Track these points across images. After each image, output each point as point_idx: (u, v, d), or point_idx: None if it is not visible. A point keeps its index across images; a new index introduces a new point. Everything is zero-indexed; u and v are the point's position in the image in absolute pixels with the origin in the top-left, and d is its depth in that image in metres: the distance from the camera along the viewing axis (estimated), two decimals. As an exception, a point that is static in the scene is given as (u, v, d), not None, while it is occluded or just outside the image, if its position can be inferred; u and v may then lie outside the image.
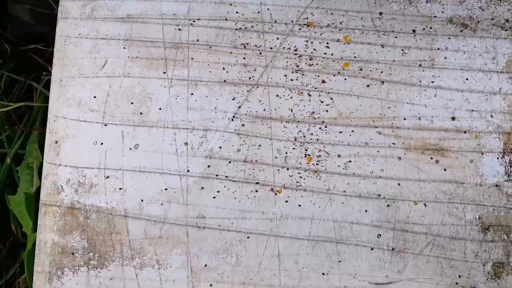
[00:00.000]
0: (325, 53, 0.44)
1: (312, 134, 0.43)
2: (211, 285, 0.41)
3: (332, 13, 0.45)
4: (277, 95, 0.44)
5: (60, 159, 0.42)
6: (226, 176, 0.42)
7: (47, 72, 0.82)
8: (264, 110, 0.44)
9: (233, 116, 0.43)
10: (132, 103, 0.43)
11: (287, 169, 0.43)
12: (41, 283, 0.41)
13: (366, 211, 0.42)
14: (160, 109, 0.43)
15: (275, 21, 0.45)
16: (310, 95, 0.44)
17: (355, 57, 0.44)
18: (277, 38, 0.45)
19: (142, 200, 0.42)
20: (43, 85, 0.81)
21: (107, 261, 0.41)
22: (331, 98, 0.44)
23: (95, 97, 0.43)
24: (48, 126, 0.43)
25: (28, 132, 0.78)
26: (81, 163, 0.42)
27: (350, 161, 0.43)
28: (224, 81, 0.44)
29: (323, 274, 0.41)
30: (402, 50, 0.45)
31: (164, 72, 0.44)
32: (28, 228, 0.72)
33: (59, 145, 0.42)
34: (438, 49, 0.45)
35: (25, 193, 0.73)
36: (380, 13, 0.46)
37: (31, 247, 0.72)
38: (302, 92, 0.44)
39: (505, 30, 0.45)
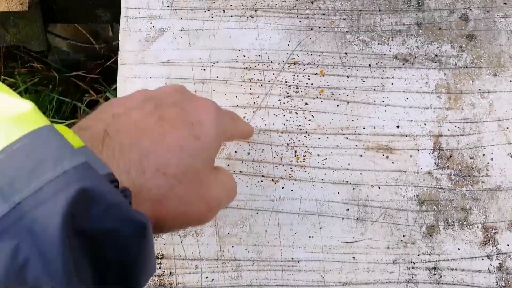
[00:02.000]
0: (307, 83, 0.62)
1: (299, 140, 0.61)
2: (232, 246, 0.58)
3: (311, 54, 0.63)
4: (274, 114, 0.62)
5: (125, 163, 0.60)
6: (240, 171, 0.60)
7: (89, 94, 0.99)
8: (265, 125, 0.61)
9: (244, 130, 0.61)
10: (173, 122, 0.61)
11: (283, 165, 0.60)
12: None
13: (338, 193, 0.60)
14: (193, 126, 0.61)
15: (271, 62, 0.63)
16: (297, 113, 0.62)
17: (328, 85, 0.62)
18: (273, 74, 0.63)
19: (183, 190, 0.59)
20: (85, 105, 0.99)
21: (161, 233, 0.59)
22: (312, 115, 0.62)
23: (147, 119, 0.61)
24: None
25: (76, 143, 0.95)
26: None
27: (326, 159, 0.60)
28: (237, 105, 0.62)
29: (310, 236, 0.59)
30: (361, 79, 0.63)
31: (195, 100, 0.62)
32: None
33: (124, 154, 0.61)
34: (387, 77, 0.63)
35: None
36: (346, 53, 0.63)
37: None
38: (291, 111, 0.62)
39: (435, 62, 0.63)
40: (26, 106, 0.26)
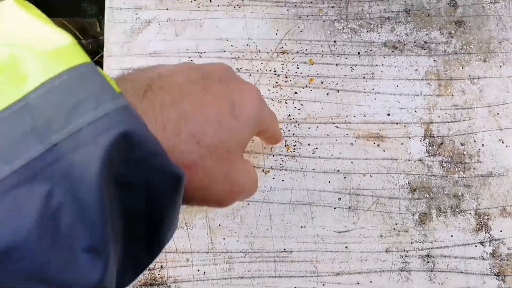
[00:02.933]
0: (296, 72, 0.62)
1: (289, 130, 0.60)
2: (224, 238, 0.58)
3: (300, 43, 0.63)
4: (264, 104, 0.61)
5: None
6: (230, 163, 0.59)
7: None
8: (255, 115, 0.61)
9: (233, 120, 0.61)
10: (161, 114, 0.60)
11: (273, 155, 0.60)
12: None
13: (329, 182, 0.59)
14: (181, 118, 0.60)
15: (259, 51, 0.62)
16: (286, 103, 0.61)
17: (317, 74, 0.62)
18: (261, 63, 0.62)
19: (172, 182, 0.59)
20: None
21: (151, 226, 0.58)
22: (302, 104, 0.61)
23: (134, 111, 0.60)
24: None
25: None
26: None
27: (317, 148, 0.60)
28: (225, 95, 0.61)
29: (301, 227, 0.58)
30: (351, 67, 0.62)
31: (183, 92, 0.61)
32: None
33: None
34: (377, 65, 0.62)
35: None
36: (335, 41, 0.63)
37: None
38: (280, 101, 0.61)
39: (424, 49, 0.63)
40: (64, 39, 0.24)
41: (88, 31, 1.06)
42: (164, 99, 0.30)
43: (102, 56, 0.64)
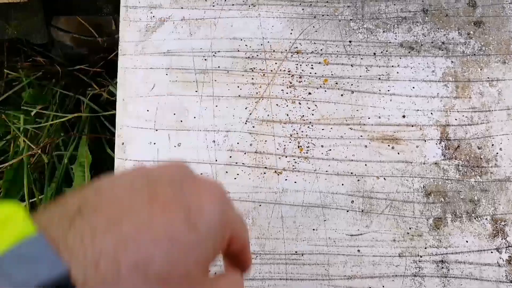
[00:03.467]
0: (310, 73, 0.61)
1: (302, 131, 0.60)
2: (235, 239, 0.58)
3: (315, 43, 0.62)
4: (277, 104, 0.61)
5: (126, 155, 0.60)
6: (243, 163, 0.59)
7: (92, 88, 0.99)
8: (268, 115, 0.60)
9: (246, 120, 0.60)
10: (174, 114, 0.60)
11: (286, 157, 0.59)
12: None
13: (342, 184, 0.58)
14: (194, 117, 0.60)
15: (274, 51, 0.62)
16: (300, 104, 0.60)
17: (332, 74, 0.61)
18: (275, 63, 0.61)
19: (184, 182, 0.59)
20: (88, 99, 0.98)
21: (162, 225, 0.58)
22: (316, 105, 0.60)
23: (148, 110, 0.60)
24: (116, 132, 0.60)
25: (79, 137, 0.95)
26: (140, 158, 0.59)
27: (330, 150, 0.59)
28: (239, 96, 0.61)
29: (313, 229, 0.58)
30: (366, 68, 0.61)
31: (196, 91, 0.61)
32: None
33: (125, 146, 0.60)
34: (392, 66, 0.61)
35: (80, 186, 0.90)
36: (350, 41, 0.62)
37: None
38: (294, 102, 0.61)
39: (441, 50, 0.61)
40: None
41: (104, 29, 1.07)
42: (96, 225, 0.24)
43: (117, 54, 0.64)
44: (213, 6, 0.63)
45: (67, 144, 0.94)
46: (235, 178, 0.58)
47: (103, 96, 0.98)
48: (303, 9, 0.62)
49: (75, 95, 0.98)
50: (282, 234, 0.57)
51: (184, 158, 0.59)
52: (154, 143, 0.59)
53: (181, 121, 0.59)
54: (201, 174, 0.58)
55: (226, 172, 0.58)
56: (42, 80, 1.01)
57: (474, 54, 0.61)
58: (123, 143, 0.59)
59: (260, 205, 0.57)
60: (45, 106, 0.97)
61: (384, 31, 0.62)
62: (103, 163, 1.01)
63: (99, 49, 1.06)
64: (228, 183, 0.58)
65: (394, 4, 0.62)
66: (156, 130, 0.59)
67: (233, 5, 0.63)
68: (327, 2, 0.63)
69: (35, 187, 0.96)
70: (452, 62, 0.60)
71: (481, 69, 0.60)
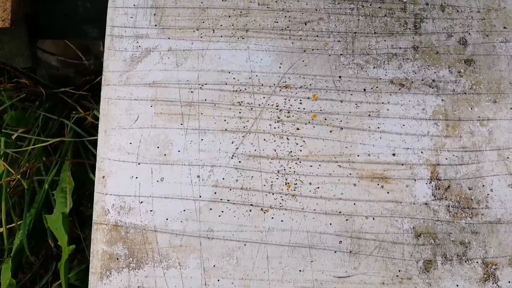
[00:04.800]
0: (299, 108, 0.60)
1: (290, 167, 0.58)
2: (218, 280, 0.55)
3: (304, 77, 0.61)
4: (264, 139, 0.59)
5: (106, 189, 0.57)
6: (228, 200, 0.57)
7: (76, 111, 0.96)
8: (255, 150, 0.59)
9: (232, 155, 0.58)
10: (158, 147, 0.58)
11: (272, 194, 0.57)
12: (94, 281, 0.55)
13: (330, 224, 0.57)
14: (179, 151, 0.58)
15: (262, 84, 0.60)
16: (288, 139, 0.59)
17: (321, 110, 0.60)
18: (264, 97, 0.60)
19: (167, 219, 0.56)
20: (73, 122, 0.95)
21: (142, 264, 0.56)
22: (304, 141, 0.59)
23: (130, 143, 0.58)
24: (97, 165, 0.58)
25: (61, 162, 0.92)
26: (121, 192, 0.57)
27: (318, 187, 0.58)
28: (226, 129, 0.59)
29: (300, 270, 0.55)
30: (356, 104, 0.60)
31: (181, 124, 0.59)
32: (64, 242, 0.86)
33: (105, 180, 0.57)
34: (383, 103, 0.60)
35: (62, 213, 0.87)
36: (340, 76, 0.61)
37: (66, 258, 0.85)
38: (282, 137, 0.59)
39: (432, 88, 0.61)
40: None
41: (91, 50, 1.05)
42: None
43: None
44: (201, 37, 0.61)
45: (49, 168, 0.91)
46: (219, 216, 0.56)
47: (87, 120, 0.96)
48: (292, 42, 0.61)
49: (59, 118, 0.95)
50: (267, 275, 0.55)
51: (166, 193, 0.56)
52: (136, 177, 0.57)
53: (165, 154, 0.57)
54: (184, 210, 0.56)
55: (210, 209, 0.56)
56: (26, 102, 0.99)
57: (465, 93, 0.60)
58: (103, 177, 0.57)
59: (245, 245, 0.55)
60: (28, 129, 0.94)
61: (374, 67, 0.61)
62: (85, 187, 0.98)
63: (85, 70, 1.04)
64: (212, 221, 0.56)
65: (385, 40, 0.62)
66: (139, 164, 0.57)
67: (221, 36, 0.61)
68: (317, 36, 0.62)
69: (13, 212, 0.93)
70: (442, 100, 0.59)
71: (471, 108, 0.59)
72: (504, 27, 0.62)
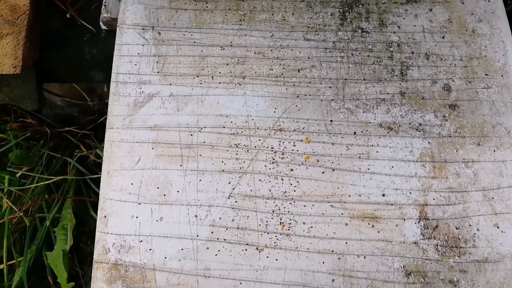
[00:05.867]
0: (292, 150, 0.63)
1: (285, 207, 0.61)
2: (214, 318, 0.57)
3: (297, 121, 0.64)
4: (260, 180, 0.62)
5: (107, 229, 0.59)
6: (224, 239, 0.59)
7: (79, 150, 0.99)
8: (251, 190, 0.61)
9: (229, 195, 0.61)
10: (158, 187, 0.61)
11: (267, 233, 0.60)
12: (93, 319, 0.57)
13: (323, 262, 0.59)
14: (178, 191, 0.61)
15: (258, 128, 0.64)
16: (282, 180, 0.62)
17: (313, 152, 0.63)
18: (259, 140, 0.63)
19: (165, 257, 0.58)
20: (75, 160, 0.98)
21: (141, 302, 0.57)
22: (297, 182, 0.62)
23: (132, 184, 0.61)
24: (99, 205, 0.61)
25: (63, 199, 0.94)
26: (122, 232, 0.59)
27: (312, 227, 0.60)
28: (223, 170, 0.62)
29: (294, 309, 0.57)
30: (346, 146, 0.63)
31: (181, 165, 0.62)
32: (63, 279, 0.87)
33: (107, 219, 0.60)
34: (372, 145, 0.63)
35: (62, 250, 0.88)
36: (331, 120, 0.64)
37: (65, 296, 0.86)
38: (277, 177, 0.62)
39: (419, 131, 0.64)
40: None
41: (96, 91, 1.10)
42: None
43: (106, 117, 0.65)
44: (201, 83, 0.65)
45: (51, 205, 0.93)
46: (216, 255, 0.58)
47: (90, 158, 0.99)
48: (286, 88, 0.65)
49: (62, 156, 0.98)
50: (262, 314, 0.56)
51: (165, 232, 0.59)
52: (137, 217, 0.59)
53: (165, 195, 0.60)
54: (182, 249, 0.58)
55: (207, 248, 0.58)
56: (30, 141, 1.02)
57: (450, 136, 0.63)
58: (105, 216, 0.59)
59: (240, 283, 0.57)
60: (32, 168, 0.97)
61: (364, 112, 0.64)
62: (85, 225, 1.00)
63: (90, 110, 1.08)
64: (209, 260, 0.58)
65: (374, 86, 0.65)
66: (139, 204, 0.60)
67: (220, 83, 0.65)
68: (309, 82, 0.66)
69: (14, 248, 0.94)
70: (429, 143, 0.63)
71: (457, 151, 0.62)
72: (486, 74, 0.66)
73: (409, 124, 0.64)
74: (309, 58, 0.67)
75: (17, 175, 0.93)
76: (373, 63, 0.66)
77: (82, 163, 1.00)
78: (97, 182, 0.98)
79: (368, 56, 0.67)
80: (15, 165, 0.96)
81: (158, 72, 0.66)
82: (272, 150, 0.62)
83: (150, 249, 0.58)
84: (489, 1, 0.68)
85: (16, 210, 0.90)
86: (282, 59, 0.66)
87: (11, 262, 0.94)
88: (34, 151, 0.99)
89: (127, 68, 0.66)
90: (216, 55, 0.66)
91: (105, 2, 0.74)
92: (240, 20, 0.67)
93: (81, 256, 0.98)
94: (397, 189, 0.61)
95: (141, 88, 0.65)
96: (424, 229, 0.59)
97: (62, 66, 0.84)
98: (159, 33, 0.66)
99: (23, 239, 0.97)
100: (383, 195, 0.60)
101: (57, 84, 1.06)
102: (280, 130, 0.63)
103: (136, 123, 0.63)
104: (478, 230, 0.59)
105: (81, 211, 0.97)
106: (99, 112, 1.05)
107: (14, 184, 0.94)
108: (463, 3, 0.68)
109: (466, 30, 0.67)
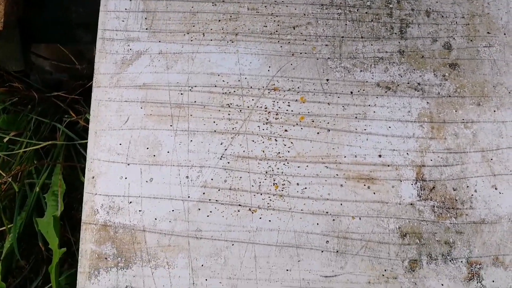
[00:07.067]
0: (287, 110, 0.61)
1: (278, 168, 0.59)
2: (206, 279, 0.56)
3: (292, 80, 0.62)
4: (253, 141, 0.60)
5: (96, 190, 0.58)
6: (216, 200, 0.58)
7: (68, 115, 0.97)
8: (244, 151, 0.59)
9: (221, 156, 0.59)
10: (147, 148, 0.59)
11: (260, 194, 0.58)
12: (83, 280, 0.56)
13: (317, 224, 0.57)
14: (168, 152, 0.59)
15: (251, 87, 0.62)
16: (276, 140, 0.60)
17: (308, 112, 0.61)
18: (252, 99, 0.61)
19: (155, 219, 0.57)
20: (65, 126, 0.96)
21: (131, 264, 0.56)
22: (292, 142, 0.60)
23: (120, 144, 0.59)
24: (87, 166, 0.59)
25: (53, 165, 0.92)
26: (111, 193, 0.58)
27: (306, 188, 0.58)
28: (215, 131, 0.60)
29: (287, 270, 0.56)
30: (343, 106, 0.61)
31: (171, 125, 0.60)
32: (55, 245, 0.86)
33: (95, 180, 0.58)
34: (369, 105, 0.61)
35: (53, 216, 0.87)
36: (327, 79, 0.62)
37: (57, 261, 0.85)
38: (270, 138, 0.60)
39: (417, 91, 0.62)
40: None
41: (84, 55, 1.06)
42: None
43: (94, 83, 0.63)
44: (191, 40, 0.62)
45: (40, 171, 0.91)
46: (207, 216, 0.56)
47: (79, 124, 0.97)
48: (281, 46, 0.63)
49: (51, 121, 0.96)
50: (255, 275, 0.55)
51: (155, 194, 0.57)
52: (125, 178, 0.57)
53: (154, 155, 0.58)
54: (173, 210, 0.57)
55: (199, 209, 0.57)
56: (18, 106, 0.99)
57: (449, 96, 0.61)
58: (93, 177, 0.58)
59: (233, 244, 0.56)
60: (19, 133, 0.94)
61: (361, 71, 0.62)
62: (77, 191, 0.98)
63: (78, 75, 1.05)
64: (200, 221, 0.56)
65: (371, 44, 0.63)
66: (128, 165, 0.58)
67: (211, 40, 0.63)
68: (305, 40, 0.63)
69: (4, 215, 0.93)
70: (427, 103, 0.61)
71: (456, 111, 0.61)
72: (488, 32, 0.64)
73: (408, 83, 0.61)
74: (304, 14, 0.64)
75: (5, 140, 0.91)
76: (372, 20, 0.64)
77: (72, 129, 0.98)
78: (87, 148, 0.96)
79: (366, 13, 0.64)
80: (2, 130, 0.94)
81: (146, 29, 0.63)
82: (265, 110, 0.60)
83: (139, 210, 0.56)
84: (494, -45, 0.65)
85: (4, 175, 0.88)
86: (276, 16, 0.63)
87: (1, 228, 0.92)
88: (22, 116, 0.97)
89: (114, 24, 0.63)
90: (207, 11, 0.63)
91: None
92: (233, -27, 0.64)
93: (73, 223, 0.97)
94: (394, 150, 0.59)
95: (129, 45, 0.62)
96: (421, 190, 0.58)
97: (47, 25, 0.80)
98: (147, -13, 0.63)
99: (13, 205, 0.95)
100: (380, 156, 0.59)
101: (45, 47, 1.02)
102: (274, 90, 0.61)
103: (124, 82, 0.61)
104: (475, 191, 0.58)
105: (71, 177, 0.95)
106: (88, 77, 1.02)
107: (1, 150, 0.92)
108: (466, -43, 0.65)
109: (469, -14, 0.64)
